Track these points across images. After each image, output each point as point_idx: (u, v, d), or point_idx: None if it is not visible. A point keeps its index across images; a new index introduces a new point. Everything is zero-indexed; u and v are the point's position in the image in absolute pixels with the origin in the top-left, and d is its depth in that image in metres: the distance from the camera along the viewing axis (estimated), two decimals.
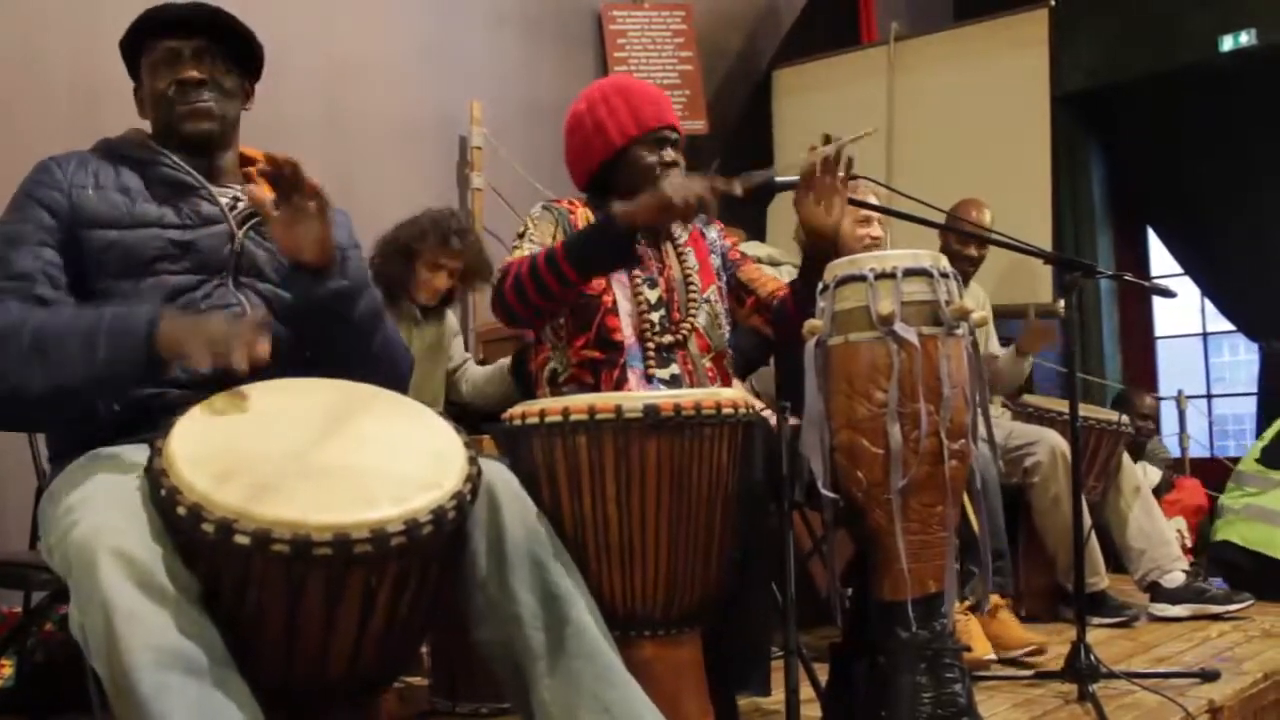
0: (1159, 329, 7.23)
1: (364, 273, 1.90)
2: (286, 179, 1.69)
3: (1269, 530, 3.95)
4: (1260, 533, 3.96)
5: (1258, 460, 4.18)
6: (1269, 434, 4.25)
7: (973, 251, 3.78)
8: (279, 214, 1.70)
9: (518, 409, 1.89)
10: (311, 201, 1.70)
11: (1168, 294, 2.82)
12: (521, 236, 2.26)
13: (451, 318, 3.39)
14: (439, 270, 3.14)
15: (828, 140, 2.21)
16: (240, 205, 1.87)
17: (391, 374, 1.88)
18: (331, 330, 1.80)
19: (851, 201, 2.29)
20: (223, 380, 1.62)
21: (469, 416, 3.13)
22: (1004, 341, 4.03)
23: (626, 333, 2.22)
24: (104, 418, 1.69)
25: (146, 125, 1.93)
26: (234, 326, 1.56)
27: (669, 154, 2.29)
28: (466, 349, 3.49)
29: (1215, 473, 5.19)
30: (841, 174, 2.22)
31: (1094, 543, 3.55)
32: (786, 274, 3.21)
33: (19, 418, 1.73)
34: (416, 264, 3.12)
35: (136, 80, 1.94)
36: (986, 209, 3.86)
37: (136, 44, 1.89)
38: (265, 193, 1.72)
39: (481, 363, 3.46)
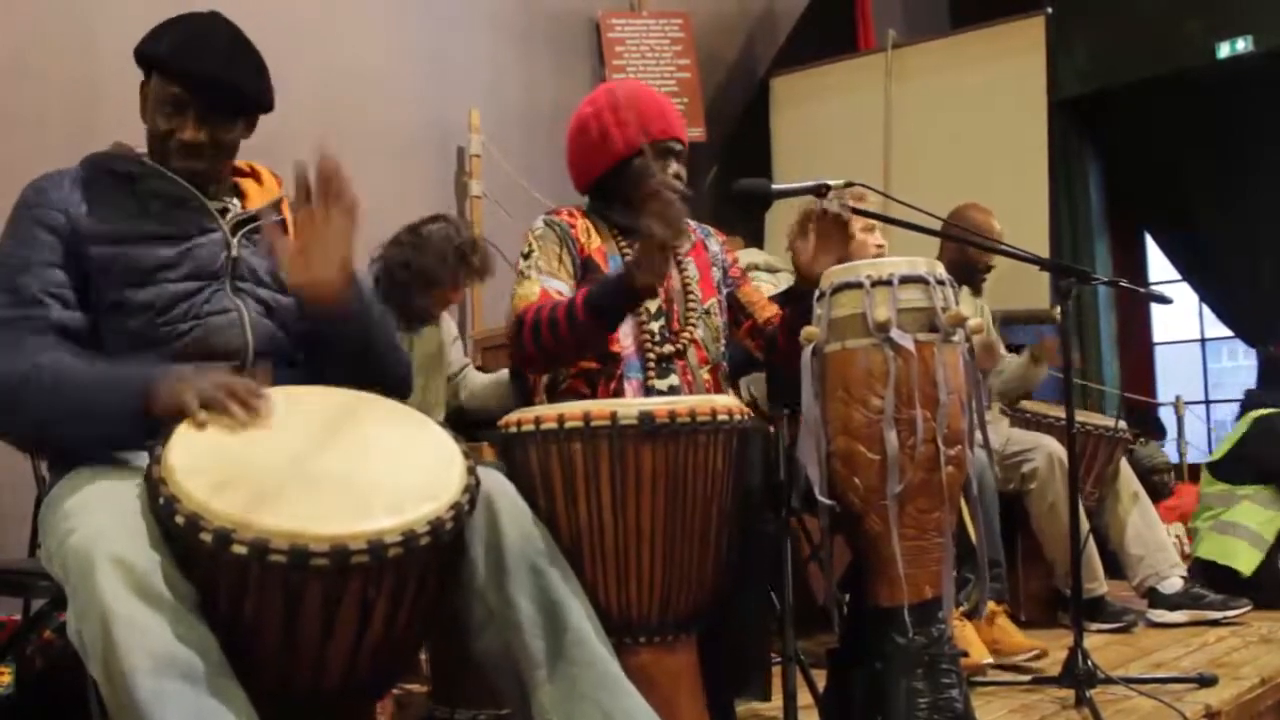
0: (1157, 335, 7.25)
1: (374, 290, 1.90)
2: (327, 181, 1.68)
3: (1229, 542, 3.97)
4: (1221, 545, 3.99)
5: (1213, 477, 4.20)
6: (1218, 452, 4.27)
7: (991, 261, 3.76)
8: (296, 240, 1.70)
9: (513, 416, 1.90)
10: (341, 217, 1.70)
11: (1163, 300, 2.82)
12: (527, 259, 2.23)
13: (450, 323, 3.38)
14: (460, 289, 3.15)
15: (824, 192, 2.19)
16: (232, 213, 1.88)
17: (393, 377, 1.89)
18: (342, 347, 1.81)
19: (858, 212, 2.29)
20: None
21: (466, 423, 3.13)
22: (1006, 347, 4.03)
23: (625, 343, 2.21)
24: None
25: (129, 136, 1.92)
26: (228, 381, 1.59)
27: (672, 166, 2.26)
28: (464, 355, 3.49)
29: None
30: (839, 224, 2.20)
31: (1091, 548, 3.55)
32: (784, 281, 3.21)
33: (35, 447, 1.76)
34: (442, 291, 3.10)
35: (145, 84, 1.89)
36: (994, 216, 3.84)
37: (152, 60, 1.85)
38: (278, 235, 1.72)
39: (480, 369, 3.46)
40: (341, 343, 1.80)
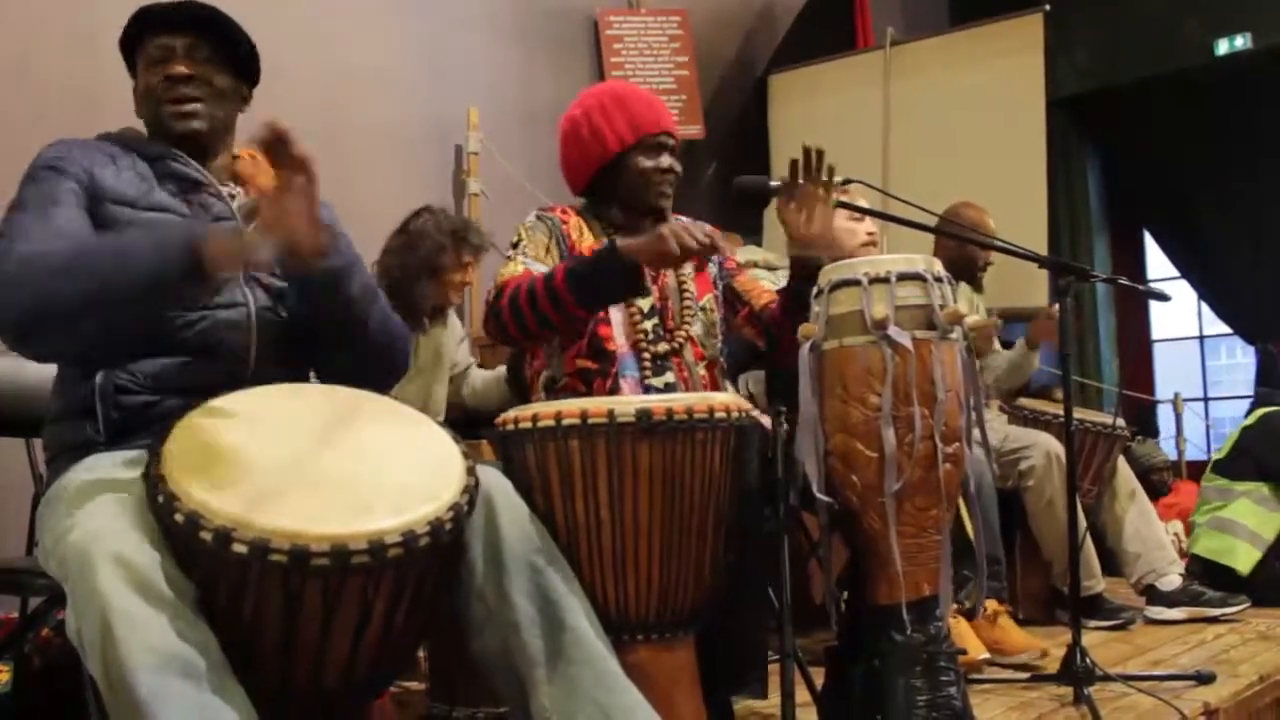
0: (1156, 332, 7.24)
1: (354, 251, 1.90)
2: (278, 145, 1.64)
3: (1228, 540, 3.94)
4: (1220, 543, 3.95)
5: (1215, 472, 4.18)
6: (1224, 448, 4.26)
7: (989, 258, 3.76)
8: (268, 196, 1.68)
9: (511, 413, 1.90)
10: (299, 175, 1.65)
11: (1162, 297, 2.82)
12: (515, 247, 2.26)
13: (456, 322, 3.38)
14: (466, 268, 3.16)
15: (808, 152, 2.21)
16: (238, 200, 1.89)
17: (387, 353, 1.89)
18: (327, 309, 1.81)
19: (844, 205, 2.29)
20: (223, 386, 1.63)
21: (467, 421, 3.13)
22: (1003, 344, 4.04)
23: (619, 342, 2.21)
24: (103, 418, 1.69)
25: (140, 125, 1.94)
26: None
27: (666, 160, 2.28)
28: (469, 354, 3.49)
29: None
30: (824, 179, 2.21)
31: (1089, 546, 3.54)
32: (783, 278, 3.21)
33: (45, 339, 1.66)
34: (446, 276, 3.12)
35: (136, 78, 1.94)
36: (988, 213, 3.84)
37: (135, 41, 1.90)
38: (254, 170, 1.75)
39: (480, 367, 3.46)
40: (331, 311, 1.81)
